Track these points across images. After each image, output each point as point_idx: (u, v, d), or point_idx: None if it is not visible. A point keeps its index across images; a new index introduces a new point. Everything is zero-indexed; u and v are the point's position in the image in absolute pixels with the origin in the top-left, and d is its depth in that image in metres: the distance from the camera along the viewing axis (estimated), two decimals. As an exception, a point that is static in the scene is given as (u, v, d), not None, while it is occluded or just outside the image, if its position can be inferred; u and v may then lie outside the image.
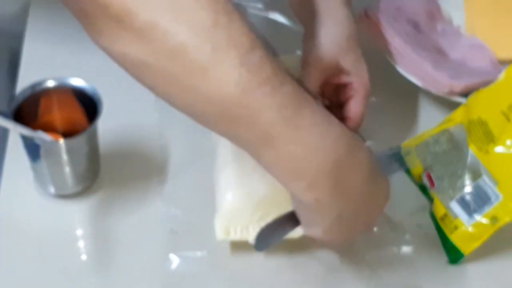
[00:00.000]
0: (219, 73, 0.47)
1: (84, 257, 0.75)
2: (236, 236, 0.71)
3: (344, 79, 0.75)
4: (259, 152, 0.52)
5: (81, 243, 0.76)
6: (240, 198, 0.72)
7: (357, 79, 0.75)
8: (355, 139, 0.55)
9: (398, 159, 0.78)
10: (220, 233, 0.71)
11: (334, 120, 0.54)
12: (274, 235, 0.66)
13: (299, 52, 0.79)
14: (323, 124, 0.52)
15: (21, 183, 0.79)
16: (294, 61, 0.78)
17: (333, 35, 0.75)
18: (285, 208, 0.66)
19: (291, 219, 0.64)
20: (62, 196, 0.77)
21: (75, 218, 0.77)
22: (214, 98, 0.48)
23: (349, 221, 0.58)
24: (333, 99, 0.77)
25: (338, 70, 0.75)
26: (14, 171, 0.80)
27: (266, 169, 0.54)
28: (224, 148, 0.74)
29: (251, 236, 0.70)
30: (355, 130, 0.74)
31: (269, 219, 0.68)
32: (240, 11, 0.49)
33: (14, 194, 0.78)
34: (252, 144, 0.52)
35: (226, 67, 0.47)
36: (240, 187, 0.72)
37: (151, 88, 0.52)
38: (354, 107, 0.75)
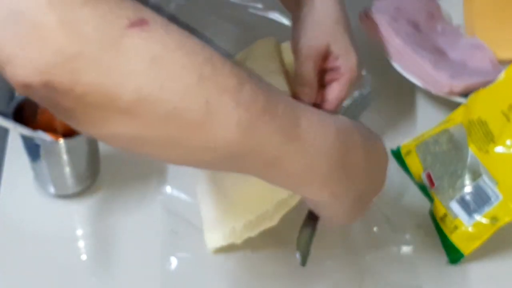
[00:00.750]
0: (218, 123, 0.46)
1: (84, 257, 0.75)
2: (226, 240, 0.72)
3: (332, 63, 0.74)
4: (266, 174, 0.52)
5: (81, 243, 0.76)
6: (217, 204, 0.73)
7: (345, 63, 0.74)
8: (343, 122, 0.55)
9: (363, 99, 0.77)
10: (211, 244, 0.73)
11: (324, 114, 0.54)
12: (308, 241, 0.65)
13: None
14: (319, 125, 0.52)
15: (21, 183, 0.79)
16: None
17: (321, 20, 0.74)
18: (265, 199, 0.68)
19: (312, 217, 0.64)
20: (62, 196, 0.77)
21: (75, 218, 0.77)
22: (219, 146, 0.47)
23: (364, 196, 0.59)
24: (318, 80, 0.76)
25: (328, 53, 0.74)
26: (14, 171, 0.80)
27: (274, 184, 0.54)
28: None
29: (239, 235, 0.70)
30: (332, 113, 0.74)
31: (251, 213, 0.69)
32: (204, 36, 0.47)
33: (14, 194, 0.78)
34: (260, 169, 0.51)
35: (223, 115, 0.46)
36: (215, 194, 0.73)
37: (151, 156, 0.50)
38: (334, 91, 0.75)
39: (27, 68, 0.42)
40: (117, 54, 0.43)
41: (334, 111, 0.75)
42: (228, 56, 0.58)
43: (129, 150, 0.49)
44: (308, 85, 0.74)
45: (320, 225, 0.65)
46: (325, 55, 0.74)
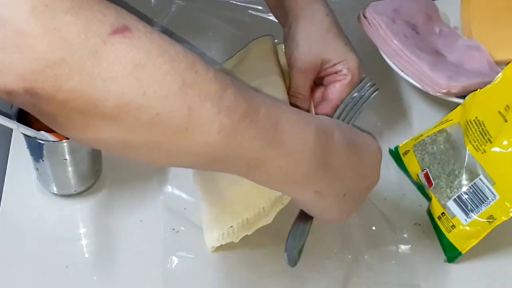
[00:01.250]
0: (200, 128, 0.47)
1: (85, 255, 0.74)
2: (225, 240, 0.72)
3: (330, 69, 0.76)
4: (249, 175, 0.53)
5: (82, 242, 0.76)
6: (215, 204, 0.73)
7: (345, 67, 0.75)
8: (323, 122, 0.56)
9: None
10: (209, 243, 0.73)
11: (304, 114, 0.55)
12: (297, 242, 0.65)
13: None
14: (299, 126, 0.53)
15: (24, 182, 0.79)
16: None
17: (312, 32, 0.75)
18: (261, 197, 0.69)
19: (303, 218, 0.65)
20: (65, 195, 0.78)
21: (77, 217, 0.77)
22: (201, 151, 0.48)
23: (355, 192, 0.59)
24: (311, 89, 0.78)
25: (324, 63, 0.76)
26: (17, 171, 0.80)
27: (258, 183, 0.55)
28: None
29: (236, 234, 0.71)
30: (331, 112, 0.76)
31: (248, 211, 0.69)
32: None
33: (17, 193, 0.78)
34: (242, 171, 0.52)
35: (205, 120, 0.47)
36: (213, 193, 0.74)
37: (133, 158, 0.50)
38: (335, 92, 0.76)
39: (9, 75, 0.42)
40: (100, 61, 0.43)
41: (332, 111, 0.76)
42: (215, 64, 0.58)
43: (113, 153, 0.49)
44: (301, 97, 0.76)
45: (317, 223, 0.65)
46: (320, 65, 0.75)
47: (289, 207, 0.68)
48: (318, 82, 0.78)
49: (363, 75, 0.78)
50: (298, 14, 0.76)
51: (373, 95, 0.77)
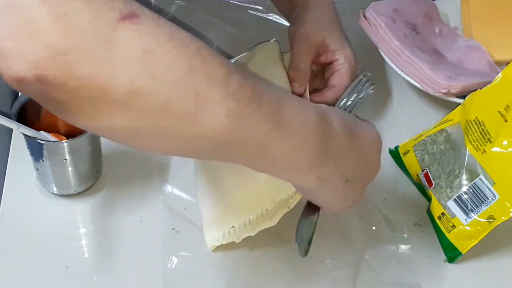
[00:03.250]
0: (208, 113, 0.47)
1: (86, 255, 0.75)
2: (226, 240, 0.72)
3: (330, 57, 0.80)
4: (254, 161, 0.53)
5: (82, 242, 0.76)
6: (217, 204, 0.73)
7: (343, 56, 0.80)
8: (323, 109, 0.57)
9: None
10: (210, 243, 0.73)
11: (304, 101, 0.56)
12: (305, 233, 0.66)
13: None
14: (301, 111, 0.54)
15: (24, 182, 0.79)
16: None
17: (318, 18, 0.80)
18: (265, 199, 0.69)
19: (310, 209, 0.65)
20: (65, 195, 0.78)
21: (77, 217, 0.78)
22: (209, 136, 0.48)
23: (357, 178, 0.60)
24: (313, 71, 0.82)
25: (325, 48, 0.80)
26: (17, 171, 0.80)
27: (262, 172, 0.56)
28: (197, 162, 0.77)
29: (238, 235, 0.71)
30: (335, 98, 0.80)
31: (251, 213, 0.70)
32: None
33: (17, 193, 0.78)
34: (248, 157, 0.53)
35: (213, 105, 0.47)
36: (215, 193, 0.74)
37: (142, 147, 0.51)
38: (339, 78, 0.80)
39: (20, 63, 0.42)
40: (110, 47, 0.43)
41: (337, 97, 0.79)
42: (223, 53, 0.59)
43: (123, 142, 0.50)
44: (302, 70, 0.79)
45: (319, 223, 0.65)
46: (321, 49, 0.80)
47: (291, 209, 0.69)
48: (316, 69, 0.82)
49: (360, 70, 0.82)
50: (305, 5, 0.81)
51: (369, 90, 0.81)
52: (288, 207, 0.69)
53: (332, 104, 0.78)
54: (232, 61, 0.86)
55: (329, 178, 0.57)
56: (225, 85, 0.48)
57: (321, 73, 0.83)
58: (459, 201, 0.74)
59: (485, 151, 0.73)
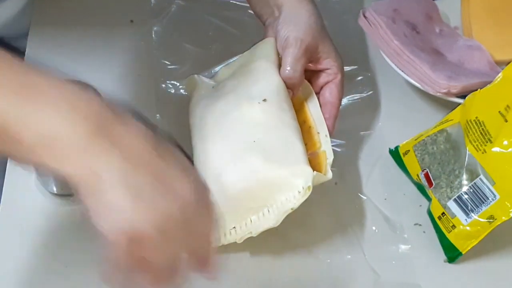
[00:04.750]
0: None
1: (85, 255, 0.75)
2: (227, 240, 0.71)
3: (323, 65, 0.79)
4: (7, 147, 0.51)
5: (82, 242, 0.76)
6: (218, 204, 0.73)
7: (335, 64, 0.79)
8: (84, 95, 0.52)
9: None
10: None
11: (58, 79, 0.53)
12: None
13: None
14: (53, 80, 0.52)
15: (24, 182, 0.79)
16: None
17: (311, 23, 0.77)
18: (267, 200, 0.69)
19: None
20: (65, 195, 0.78)
21: (77, 217, 0.77)
22: None
23: (151, 189, 0.51)
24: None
25: (318, 53, 0.78)
26: (17, 171, 0.80)
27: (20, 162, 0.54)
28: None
29: (240, 236, 0.71)
30: (335, 115, 0.78)
31: (253, 214, 0.69)
32: None
33: (16, 193, 0.78)
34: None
35: None
36: (217, 194, 0.73)
37: None
38: (334, 91, 0.79)
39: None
40: None
41: (337, 111, 0.78)
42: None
43: None
44: (294, 77, 0.76)
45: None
46: (315, 51, 0.77)
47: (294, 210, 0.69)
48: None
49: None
50: (292, 7, 0.78)
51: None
52: (292, 208, 0.68)
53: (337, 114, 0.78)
54: (232, 60, 0.86)
55: (105, 172, 0.50)
56: None
57: (308, 76, 0.80)
58: (459, 201, 0.74)
59: (485, 151, 0.73)
